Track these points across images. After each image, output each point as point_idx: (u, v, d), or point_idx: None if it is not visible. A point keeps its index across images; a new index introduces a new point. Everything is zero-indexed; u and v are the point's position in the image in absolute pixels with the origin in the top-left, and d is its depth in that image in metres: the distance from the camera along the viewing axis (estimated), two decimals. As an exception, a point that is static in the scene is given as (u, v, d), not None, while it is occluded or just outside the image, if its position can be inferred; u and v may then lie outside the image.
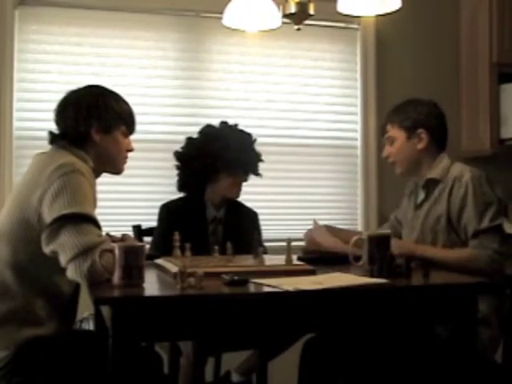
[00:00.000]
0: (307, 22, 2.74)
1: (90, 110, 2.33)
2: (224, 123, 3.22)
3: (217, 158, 3.07)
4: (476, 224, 2.52)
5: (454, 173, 2.64)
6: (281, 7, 2.72)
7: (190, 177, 3.17)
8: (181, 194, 3.23)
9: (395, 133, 2.75)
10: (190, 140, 3.19)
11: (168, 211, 3.14)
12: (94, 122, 2.33)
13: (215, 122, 3.23)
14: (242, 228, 3.12)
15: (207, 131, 3.19)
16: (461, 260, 2.48)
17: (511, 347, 2.42)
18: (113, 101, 2.39)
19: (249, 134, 3.22)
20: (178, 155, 3.18)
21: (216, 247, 2.61)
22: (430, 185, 2.70)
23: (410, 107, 2.75)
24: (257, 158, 3.21)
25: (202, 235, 3.11)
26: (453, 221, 2.58)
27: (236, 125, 3.23)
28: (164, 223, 3.11)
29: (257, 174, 3.23)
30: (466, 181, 2.57)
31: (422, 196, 2.74)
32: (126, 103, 2.44)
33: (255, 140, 3.23)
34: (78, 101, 2.36)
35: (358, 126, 4.20)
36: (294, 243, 2.37)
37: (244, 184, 3.28)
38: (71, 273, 2.05)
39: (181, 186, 3.19)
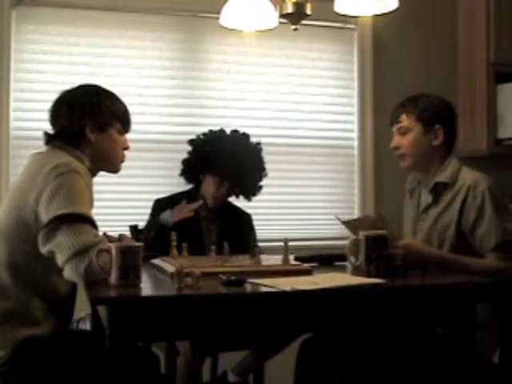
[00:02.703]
0: (304, 22, 2.74)
1: (84, 109, 2.33)
2: (235, 131, 3.28)
3: (205, 158, 3.14)
4: (500, 235, 2.46)
5: (466, 180, 2.56)
6: (278, 7, 2.72)
7: (187, 166, 3.24)
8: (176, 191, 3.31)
9: (411, 124, 2.65)
10: (200, 135, 3.27)
11: (160, 205, 3.20)
12: (88, 121, 2.33)
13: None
14: (237, 227, 3.18)
15: (211, 133, 3.26)
16: (488, 272, 2.37)
17: (509, 349, 2.42)
18: (107, 99, 2.39)
19: (252, 148, 3.24)
20: (189, 142, 3.27)
21: (213, 247, 2.62)
22: (438, 189, 2.63)
23: (429, 100, 2.67)
24: (252, 173, 3.22)
25: (195, 230, 3.15)
26: (464, 230, 2.53)
27: (247, 135, 3.27)
28: (156, 215, 3.16)
29: (247, 194, 3.25)
30: (483, 190, 2.50)
31: (428, 199, 2.68)
32: (120, 101, 2.44)
33: (260, 158, 3.25)
34: (71, 100, 2.36)
35: (355, 126, 4.21)
36: (290, 243, 2.37)
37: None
38: (68, 273, 2.05)
39: (181, 171, 3.27)
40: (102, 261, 2.02)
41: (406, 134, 2.66)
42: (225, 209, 3.28)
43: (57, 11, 3.70)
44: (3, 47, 3.57)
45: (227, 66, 4.00)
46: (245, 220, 3.33)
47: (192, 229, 3.10)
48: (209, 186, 3.17)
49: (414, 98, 2.70)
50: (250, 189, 3.26)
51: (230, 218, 3.27)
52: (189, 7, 3.88)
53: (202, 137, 3.25)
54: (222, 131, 3.26)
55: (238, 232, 3.10)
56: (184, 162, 3.26)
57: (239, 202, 3.39)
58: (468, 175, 2.59)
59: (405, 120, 2.67)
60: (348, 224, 2.60)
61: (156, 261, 2.50)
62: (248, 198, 3.29)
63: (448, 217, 2.58)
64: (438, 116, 2.65)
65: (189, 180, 3.28)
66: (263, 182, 3.30)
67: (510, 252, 2.47)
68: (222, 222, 3.24)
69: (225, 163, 3.11)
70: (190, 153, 3.24)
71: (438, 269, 2.41)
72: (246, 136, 3.26)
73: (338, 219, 2.61)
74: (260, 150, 3.26)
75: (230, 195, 3.23)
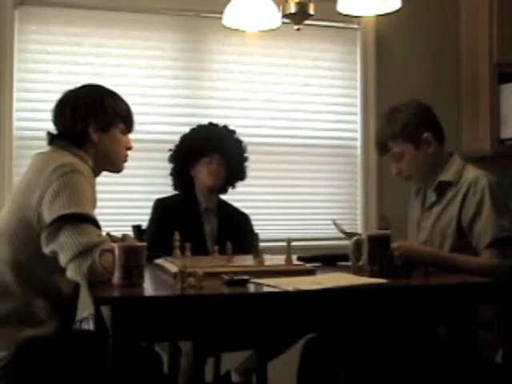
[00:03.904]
0: (307, 22, 2.75)
1: (87, 109, 2.33)
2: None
3: (191, 148, 3.25)
4: (496, 232, 2.45)
5: (468, 177, 2.56)
6: (281, 7, 2.72)
7: (177, 172, 3.32)
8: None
9: (401, 147, 2.62)
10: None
11: (161, 204, 3.25)
12: (91, 121, 2.33)
13: (214, 122, 3.32)
14: (235, 225, 3.23)
15: (189, 130, 3.35)
16: (480, 269, 2.37)
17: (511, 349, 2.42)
18: (110, 99, 2.39)
19: (230, 130, 3.34)
20: (169, 157, 3.35)
21: (216, 247, 2.62)
22: (442, 187, 2.62)
23: (403, 115, 2.63)
24: (238, 151, 3.32)
25: (195, 224, 3.20)
26: (464, 226, 2.52)
27: (225, 126, 3.36)
28: (157, 215, 3.23)
29: (234, 171, 3.32)
30: (483, 187, 2.49)
31: (432, 198, 2.68)
32: (123, 101, 2.44)
33: (235, 133, 3.34)
34: (74, 100, 2.36)
35: (358, 126, 4.20)
36: (293, 243, 2.37)
37: (244, 184, 3.36)
38: (71, 273, 2.05)
39: (174, 186, 3.35)
40: (104, 261, 2.02)
41: (402, 158, 2.64)
42: (224, 204, 3.36)
43: (60, 11, 3.70)
44: (6, 47, 3.57)
45: (230, 66, 4.00)
46: (242, 219, 3.36)
47: (193, 222, 3.19)
48: (202, 171, 3.24)
49: (388, 118, 2.68)
50: (237, 164, 3.32)
51: (229, 213, 3.33)
52: (192, 7, 3.88)
53: (177, 144, 3.34)
54: (192, 129, 3.35)
55: (237, 231, 3.13)
56: (172, 171, 3.33)
57: (239, 203, 3.41)
58: (470, 173, 2.59)
59: (393, 146, 2.64)
60: (346, 234, 2.62)
61: (159, 261, 2.50)
62: (235, 176, 3.35)
63: (450, 213, 2.58)
64: (420, 126, 2.62)
65: (182, 185, 3.33)
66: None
67: (505, 249, 2.44)
68: (221, 215, 3.30)
69: (209, 140, 3.22)
70: (174, 158, 3.33)
71: (434, 267, 2.41)
72: (215, 124, 3.36)
73: (336, 224, 2.63)
74: (235, 132, 3.36)
75: (222, 177, 3.28)
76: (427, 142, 2.62)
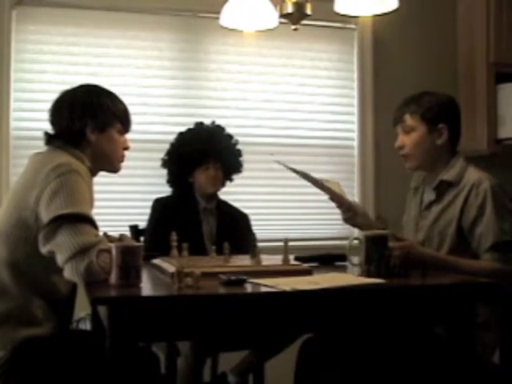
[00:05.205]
0: (304, 22, 2.74)
1: (85, 109, 2.33)
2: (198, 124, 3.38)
3: (185, 155, 3.24)
4: (497, 236, 2.44)
5: (471, 179, 2.54)
6: (278, 7, 2.72)
7: (174, 180, 3.35)
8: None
9: (415, 123, 2.62)
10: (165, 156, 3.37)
11: (160, 204, 3.26)
12: (88, 121, 2.33)
13: (201, 122, 3.38)
14: (234, 226, 3.25)
15: (178, 136, 3.36)
16: (483, 273, 2.34)
17: (509, 349, 2.41)
18: (107, 99, 2.39)
19: (218, 127, 3.35)
20: (162, 164, 3.36)
21: (213, 247, 2.62)
22: (442, 187, 2.61)
23: (432, 99, 2.63)
24: (230, 147, 3.32)
25: (194, 223, 3.22)
26: (464, 228, 2.51)
27: (213, 122, 3.39)
28: (156, 214, 3.24)
29: (234, 166, 3.34)
30: (485, 189, 2.48)
31: (431, 197, 2.66)
32: (120, 101, 2.44)
33: (223, 129, 3.35)
34: (72, 100, 2.36)
35: (355, 126, 4.21)
36: (290, 243, 2.37)
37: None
38: (68, 273, 2.05)
39: (172, 190, 3.37)
40: (102, 261, 2.02)
41: (410, 133, 2.64)
42: (223, 205, 3.37)
43: (57, 11, 3.70)
44: (3, 47, 3.57)
45: (227, 66, 4.00)
46: (242, 220, 3.37)
47: (192, 221, 3.20)
48: (201, 178, 3.25)
49: (416, 97, 2.67)
50: (233, 161, 3.34)
51: (228, 213, 3.34)
52: (189, 7, 3.88)
53: (169, 151, 3.34)
54: (180, 134, 3.35)
55: (235, 231, 3.13)
56: (168, 177, 3.34)
57: (237, 203, 3.41)
58: (473, 174, 2.57)
59: (408, 120, 2.64)
60: (305, 176, 2.63)
61: (156, 261, 2.50)
62: (233, 172, 3.36)
63: (450, 214, 2.56)
64: (442, 115, 2.62)
65: (181, 189, 3.34)
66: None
67: (505, 253, 2.44)
68: (220, 216, 3.31)
69: (202, 146, 3.22)
70: (168, 166, 3.33)
71: (435, 270, 2.41)
72: (201, 123, 3.36)
73: (285, 165, 2.73)
74: (224, 128, 3.36)
75: (221, 178, 3.30)
76: (440, 132, 2.62)
